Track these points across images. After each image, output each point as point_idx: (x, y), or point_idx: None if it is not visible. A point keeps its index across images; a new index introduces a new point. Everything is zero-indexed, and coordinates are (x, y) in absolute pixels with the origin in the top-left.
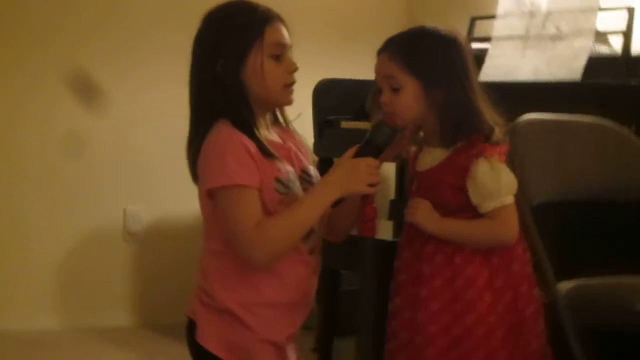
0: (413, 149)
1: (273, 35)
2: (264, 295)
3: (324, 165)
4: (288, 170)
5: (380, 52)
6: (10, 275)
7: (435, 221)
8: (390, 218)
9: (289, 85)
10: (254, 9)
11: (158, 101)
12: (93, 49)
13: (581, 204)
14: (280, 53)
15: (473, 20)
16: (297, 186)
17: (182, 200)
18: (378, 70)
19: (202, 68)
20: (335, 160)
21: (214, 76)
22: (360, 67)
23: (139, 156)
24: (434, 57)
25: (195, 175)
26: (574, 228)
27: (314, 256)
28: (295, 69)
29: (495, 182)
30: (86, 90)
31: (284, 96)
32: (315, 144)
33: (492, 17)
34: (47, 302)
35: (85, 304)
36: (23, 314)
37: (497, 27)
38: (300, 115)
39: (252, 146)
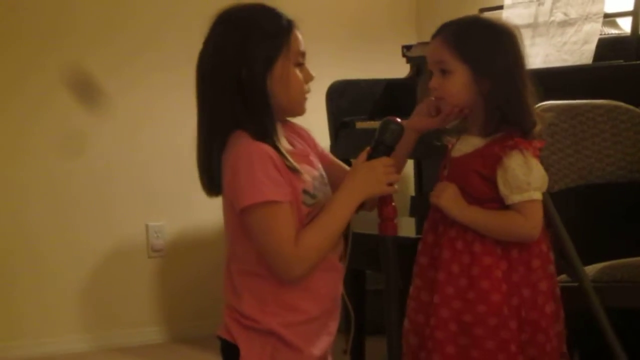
0: (453, 139)
1: (297, 43)
2: (303, 312)
3: None
4: (314, 176)
5: (433, 37)
6: (34, 297)
7: (460, 206)
8: (411, 215)
9: (306, 94)
10: (279, 15)
11: (173, 111)
12: (103, 55)
13: (600, 187)
14: (302, 61)
15: (481, 12)
16: (322, 191)
17: (203, 213)
18: (430, 54)
19: (221, 74)
20: (353, 161)
21: (236, 83)
22: (372, 66)
23: (156, 170)
24: (485, 46)
25: (209, 188)
26: (594, 212)
27: (342, 262)
28: (312, 79)
29: (526, 176)
30: (90, 94)
31: (301, 105)
32: (332, 146)
33: (500, 7)
34: (73, 323)
35: (112, 323)
36: (48, 337)
37: (506, 17)
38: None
39: (277, 159)
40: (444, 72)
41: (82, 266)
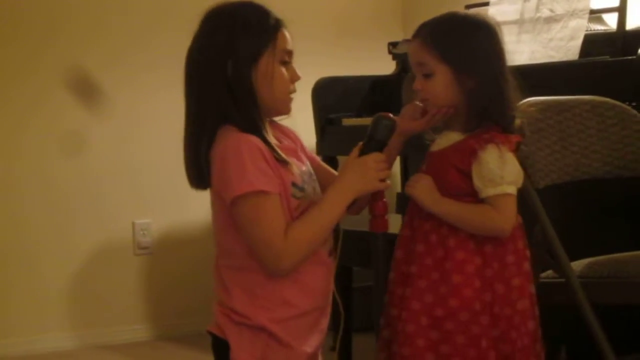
0: (435, 136)
1: (284, 41)
2: (293, 307)
3: (328, 164)
4: (302, 171)
5: (412, 39)
6: (20, 295)
7: (433, 197)
8: (398, 211)
9: (291, 93)
10: (267, 12)
11: (161, 110)
12: (95, 54)
13: (586, 183)
14: (288, 60)
15: (467, 8)
16: (310, 186)
17: (190, 210)
18: (411, 56)
19: (208, 68)
20: (340, 158)
21: (223, 77)
22: (358, 63)
23: (144, 168)
24: (464, 44)
25: (196, 182)
26: (580, 208)
27: (332, 258)
28: (299, 79)
29: (500, 169)
30: (87, 89)
31: (286, 105)
32: (318, 143)
33: (486, 4)
34: (60, 321)
35: (99, 320)
36: (35, 335)
37: (492, 14)
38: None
39: (266, 151)
40: (426, 74)
41: (70, 263)
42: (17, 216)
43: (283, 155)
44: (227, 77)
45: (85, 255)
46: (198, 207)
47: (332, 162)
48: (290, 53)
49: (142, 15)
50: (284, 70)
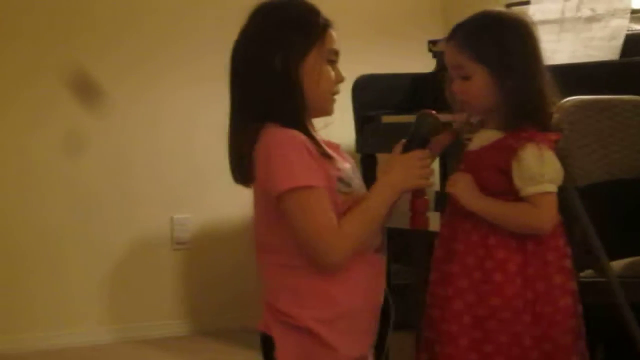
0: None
1: (331, 41)
2: (342, 305)
3: (367, 161)
4: (346, 167)
5: (447, 42)
6: (60, 291)
7: (473, 196)
8: (436, 209)
9: (335, 94)
10: (317, 10)
11: (200, 104)
12: (120, 54)
13: (627, 182)
14: (335, 60)
15: (508, 7)
16: (356, 182)
17: (228, 206)
18: (448, 59)
19: (256, 61)
20: (379, 156)
21: (271, 71)
22: (397, 61)
23: (183, 163)
24: (500, 44)
25: (241, 178)
26: (621, 207)
27: (381, 255)
28: (343, 80)
29: (540, 168)
30: (88, 91)
31: (329, 104)
32: (357, 141)
33: (527, 2)
34: (98, 315)
35: (136, 315)
36: (75, 330)
37: (533, 12)
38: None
39: (311, 147)
40: (464, 76)
41: (107, 258)
42: (53, 212)
43: (328, 150)
44: (274, 72)
45: (123, 249)
46: (236, 202)
47: (371, 160)
48: (337, 53)
49: (165, 13)
50: (330, 69)
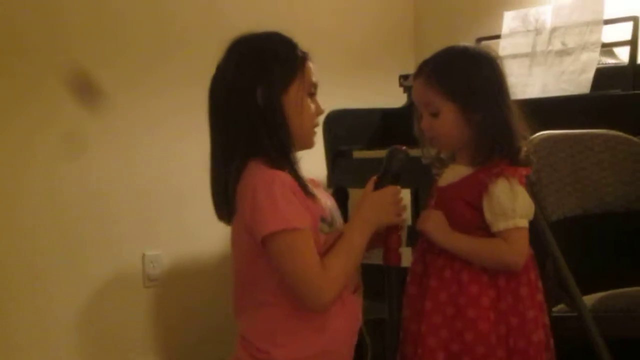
0: (442, 170)
1: (311, 73)
2: (317, 346)
3: (339, 196)
4: (329, 205)
5: (415, 77)
6: (28, 328)
7: (445, 232)
8: (408, 244)
9: (316, 126)
10: (294, 43)
11: (171, 141)
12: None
13: (598, 216)
14: (314, 92)
15: (479, 41)
16: (337, 220)
17: (200, 242)
18: (415, 95)
19: (238, 96)
20: (350, 190)
21: (253, 106)
22: (369, 94)
23: (154, 200)
24: (468, 79)
25: (223, 214)
26: (592, 241)
27: (357, 295)
28: (322, 112)
29: (511, 203)
30: (88, 93)
31: (311, 138)
32: (329, 175)
33: (498, 37)
34: (69, 353)
35: (109, 352)
36: None
37: (503, 47)
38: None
39: (295, 186)
40: (433, 112)
41: (79, 295)
42: (24, 244)
43: (312, 189)
44: (256, 106)
45: (95, 287)
46: (208, 238)
47: (343, 194)
48: (315, 85)
49: (148, 44)
50: (310, 102)
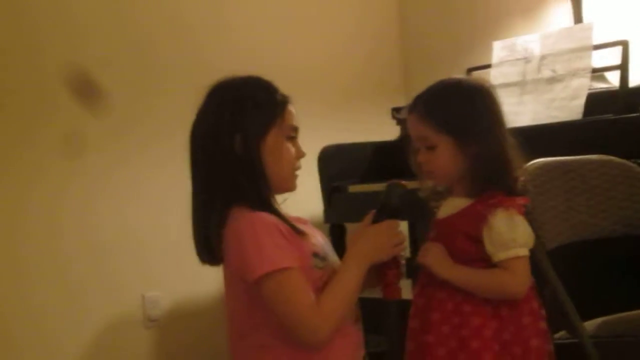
0: (439, 203)
1: (291, 117)
2: None
3: (336, 231)
4: (320, 241)
5: (409, 113)
6: None
7: (446, 265)
8: (407, 277)
9: (296, 170)
10: (274, 88)
11: (167, 183)
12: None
13: (595, 242)
14: (294, 136)
15: (469, 72)
16: (330, 255)
17: (199, 282)
18: (411, 130)
19: (216, 143)
20: (347, 225)
21: (231, 152)
22: (362, 129)
23: (152, 242)
24: (463, 112)
25: (207, 259)
26: (590, 267)
27: (358, 326)
28: (303, 155)
29: (511, 232)
30: (90, 94)
31: (292, 181)
32: (325, 211)
33: (488, 66)
34: None
35: None
36: None
37: (494, 76)
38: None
39: (281, 225)
40: (429, 146)
41: (80, 338)
42: (23, 290)
43: (299, 226)
44: (234, 153)
45: (95, 330)
46: (207, 278)
47: (340, 230)
48: (296, 129)
49: (141, 87)
50: (290, 146)
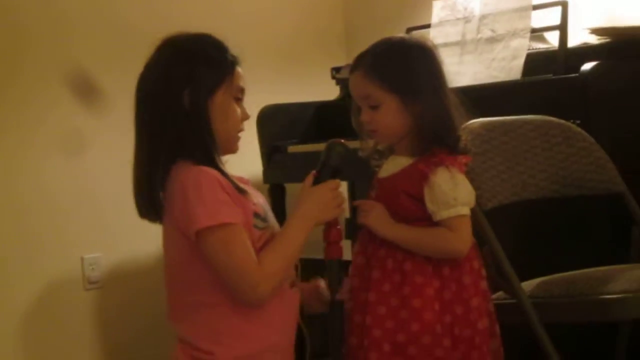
0: (381, 162)
1: (239, 78)
2: (261, 342)
3: (276, 192)
4: (260, 202)
5: (352, 71)
6: None
7: (387, 224)
8: (347, 237)
9: (240, 132)
10: (225, 47)
11: (107, 141)
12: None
13: (533, 202)
14: (241, 98)
15: (409, 31)
16: (270, 217)
17: (139, 244)
18: (354, 89)
19: (164, 97)
20: (287, 185)
21: (179, 107)
22: (302, 89)
23: (93, 202)
24: (407, 70)
25: (146, 213)
26: (529, 227)
27: (295, 290)
28: (248, 117)
29: (452, 191)
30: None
31: (235, 143)
32: (265, 171)
33: (428, 26)
34: (10, 359)
35: (50, 357)
36: None
37: (433, 36)
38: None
39: (225, 182)
40: (373, 105)
41: (19, 299)
42: None
43: (242, 185)
44: (182, 107)
45: (34, 291)
46: (148, 239)
47: (280, 190)
48: (242, 91)
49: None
50: (236, 107)
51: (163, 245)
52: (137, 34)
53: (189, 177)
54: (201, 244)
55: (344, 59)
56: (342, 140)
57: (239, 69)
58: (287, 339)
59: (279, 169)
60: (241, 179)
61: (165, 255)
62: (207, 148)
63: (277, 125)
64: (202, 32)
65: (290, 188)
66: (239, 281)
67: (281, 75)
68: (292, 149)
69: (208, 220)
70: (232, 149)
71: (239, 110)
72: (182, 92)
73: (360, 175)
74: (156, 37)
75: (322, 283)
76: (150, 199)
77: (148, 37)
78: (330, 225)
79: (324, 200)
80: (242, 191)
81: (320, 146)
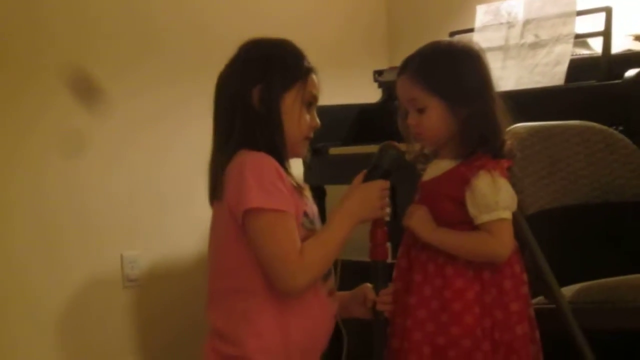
0: (425, 165)
1: (313, 85)
2: (290, 337)
3: (316, 193)
4: (313, 207)
5: (400, 74)
6: (7, 330)
7: (429, 228)
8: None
9: (308, 138)
10: (302, 54)
11: (149, 143)
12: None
13: (575, 208)
14: (314, 103)
15: (452, 35)
16: (318, 223)
17: (178, 242)
18: (400, 92)
19: (238, 93)
20: (327, 187)
21: (249, 104)
22: (344, 91)
23: (133, 201)
24: (454, 74)
25: (213, 199)
26: (569, 233)
27: (332, 299)
28: (317, 126)
29: (494, 195)
30: (86, 91)
31: (302, 148)
32: (305, 173)
33: (471, 30)
34: (48, 356)
35: (88, 354)
36: None
37: (476, 40)
38: None
39: (283, 174)
40: (419, 108)
41: (59, 297)
42: (3, 247)
43: (299, 182)
44: (252, 103)
45: (74, 289)
46: (187, 238)
47: (320, 192)
48: (315, 98)
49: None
50: (306, 110)
51: (210, 227)
52: (162, 35)
53: (251, 159)
54: (248, 224)
55: (387, 62)
56: (396, 143)
57: (313, 76)
58: (316, 345)
59: (320, 171)
60: (300, 183)
61: (211, 237)
62: (274, 145)
63: (319, 126)
64: (283, 38)
65: (331, 190)
66: (279, 267)
67: (324, 78)
68: (334, 150)
69: (260, 202)
70: (297, 152)
71: (307, 116)
72: (252, 88)
73: (403, 180)
74: (188, 39)
75: (369, 290)
76: (214, 183)
77: (176, 39)
78: (376, 227)
79: (370, 198)
80: (298, 188)
81: (362, 149)
